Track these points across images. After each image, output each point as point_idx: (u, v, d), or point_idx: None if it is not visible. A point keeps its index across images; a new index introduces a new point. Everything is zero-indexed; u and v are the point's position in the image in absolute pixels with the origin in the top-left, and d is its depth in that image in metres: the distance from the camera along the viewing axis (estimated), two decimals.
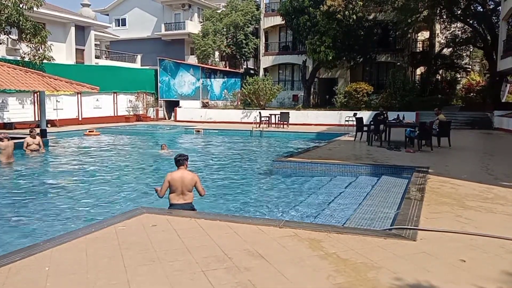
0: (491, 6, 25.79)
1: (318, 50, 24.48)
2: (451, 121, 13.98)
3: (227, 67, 34.75)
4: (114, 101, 26.90)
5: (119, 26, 39.60)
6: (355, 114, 19.79)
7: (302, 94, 29.39)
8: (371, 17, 26.37)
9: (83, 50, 29.03)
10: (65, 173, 10.96)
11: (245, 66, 36.48)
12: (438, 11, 25.98)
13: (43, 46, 19.85)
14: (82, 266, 3.69)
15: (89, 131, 20.14)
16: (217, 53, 34.10)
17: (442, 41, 32.54)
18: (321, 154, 11.56)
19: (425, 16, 24.83)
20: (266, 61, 32.93)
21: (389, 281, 3.44)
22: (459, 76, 35.69)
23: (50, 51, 20.22)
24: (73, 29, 27.40)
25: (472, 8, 26.22)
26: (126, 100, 27.79)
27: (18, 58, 20.55)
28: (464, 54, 32.44)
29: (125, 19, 39.46)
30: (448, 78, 34.37)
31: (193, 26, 36.06)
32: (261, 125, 22.09)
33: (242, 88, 27.93)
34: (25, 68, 15.87)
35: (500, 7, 23.70)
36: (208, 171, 10.93)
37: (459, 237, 4.60)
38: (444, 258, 3.97)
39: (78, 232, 4.65)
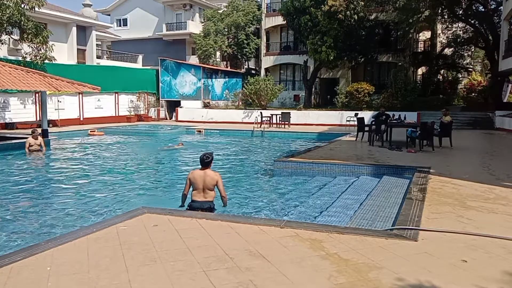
0: (493, 6, 25.74)
1: (320, 50, 24.48)
2: (452, 121, 13.95)
3: (228, 67, 34.75)
4: (115, 101, 26.94)
5: (120, 26, 39.67)
6: (356, 114, 19.77)
7: (304, 94, 29.37)
8: (372, 17, 26.35)
9: (85, 50, 29.07)
10: (66, 173, 10.96)
11: (246, 66, 36.47)
12: (439, 11, 25.93)
13: (44, 46, 19.89)
14: (83, 266, 3.69)
15: (90, 131, 20.17)
16: (218, 53, 34.09)
17: (443, 41, 32.53)
18: (322, 154, 11.55)
19: (427, 16, 24.77)
20: (267, 61, 32.91)
21: (390, 281, 3.44)
22: (460, 76, 35.65)
23: (51, 51, 20.27)
24: (74, 29, 27.44)
25: (474, 8, 26.16)
26: (127, 100, 27.84)
27: (20, 58, 20.58)
28: (466, 54, 32.41)
29: (126, 19, 39.52)
30: (450, 78, 34.34)
31: (194, 26, 36.09)
32: (262, 125, 22.08)
33: (243, 88, 27.90)
34: (27, 68, 15.89)
35: (501, 7, 23.66)
36: None
37: (460, 238, 4.59)
38: (446, 259, 3.96)
39: (79, 232, 4.66)
